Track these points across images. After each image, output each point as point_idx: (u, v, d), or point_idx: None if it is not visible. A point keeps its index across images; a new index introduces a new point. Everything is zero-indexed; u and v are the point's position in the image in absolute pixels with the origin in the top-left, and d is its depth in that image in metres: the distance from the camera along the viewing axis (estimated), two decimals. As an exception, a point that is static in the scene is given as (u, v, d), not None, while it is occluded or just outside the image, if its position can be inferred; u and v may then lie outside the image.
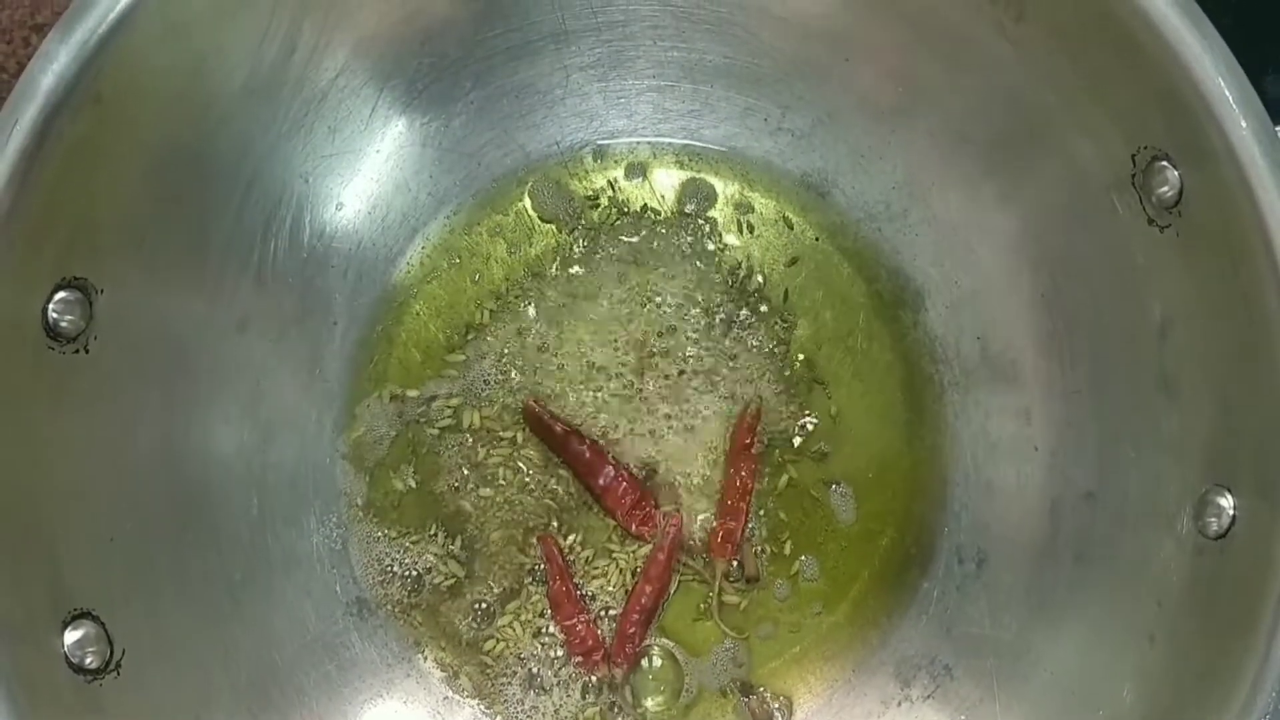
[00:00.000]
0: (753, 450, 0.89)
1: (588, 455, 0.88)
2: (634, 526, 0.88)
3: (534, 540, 0.88)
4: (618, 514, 0.88)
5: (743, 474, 0.89)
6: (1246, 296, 0.65)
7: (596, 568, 0.88)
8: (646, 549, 0.88)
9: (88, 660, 0.66)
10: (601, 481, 0.88)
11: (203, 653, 0.77)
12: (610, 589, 0.88)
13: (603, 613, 0.88)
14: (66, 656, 0.65)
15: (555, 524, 0.89)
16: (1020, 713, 0.80)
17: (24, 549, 0.65)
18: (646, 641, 0.88)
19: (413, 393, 0.90)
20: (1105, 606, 0.77)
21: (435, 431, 0.89)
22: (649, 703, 0.87)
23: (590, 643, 0.87)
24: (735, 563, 0.88)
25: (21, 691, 0.62)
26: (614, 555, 0.88)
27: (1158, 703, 0.70)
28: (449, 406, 0.89)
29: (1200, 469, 0.70)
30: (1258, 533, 0.65)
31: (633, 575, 0.88)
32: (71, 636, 0.66)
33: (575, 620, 0.87)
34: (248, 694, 0.79)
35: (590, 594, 0.88)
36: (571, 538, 0.89)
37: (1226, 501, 0.67)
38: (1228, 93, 0.63)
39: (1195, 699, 0.66)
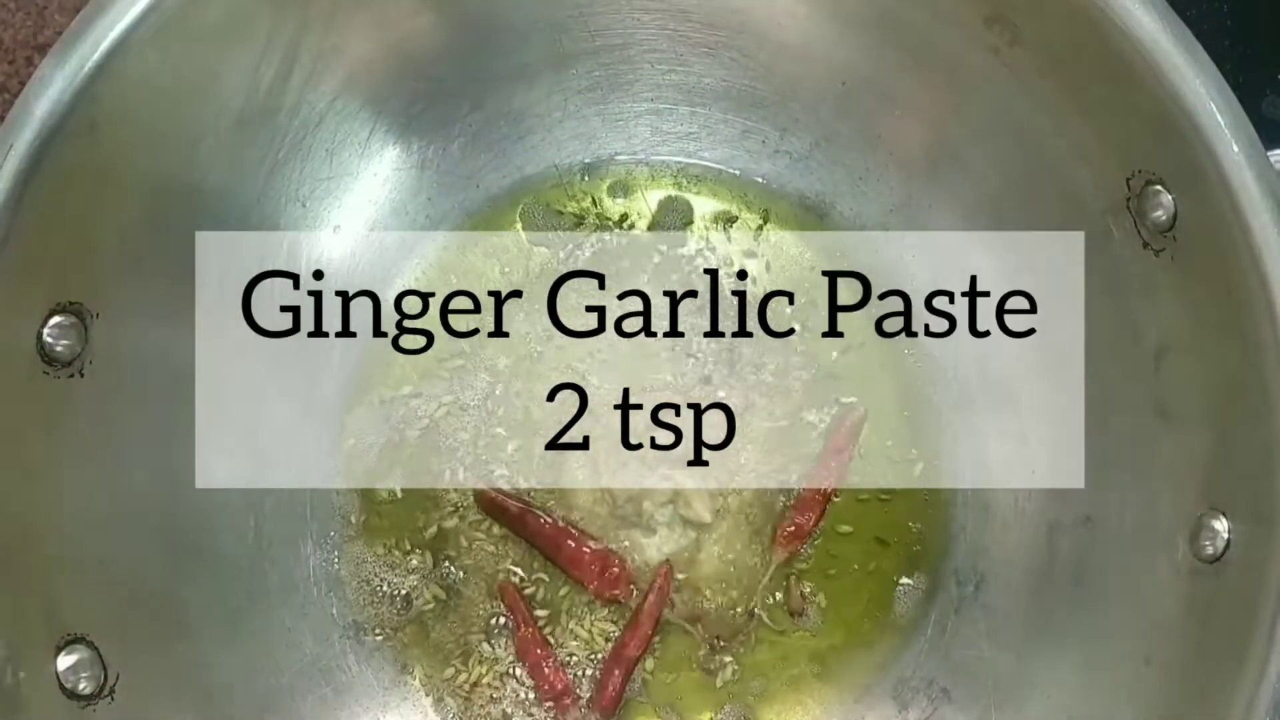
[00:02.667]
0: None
1: (547, 530, 0.88)
2: (607, 593, 0.87)
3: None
4: (589, 586, 0.87)
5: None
6: (1240, 320, 0.65)
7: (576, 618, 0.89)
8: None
9: (81, 685, 0.66)
10: (565, 554, 0.87)
11: (199, 677, 0.77)
12: (591, 638, 0.88)
13: (589, 659, 0.88)
14: (60, 681, 0.65)
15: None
16: (1019, 735, 0.81)
17: (17, 572, 0.65)
18: (626, 694, 0.87)
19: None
20: (1103, 629, 0.77)
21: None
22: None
23: (560, 687, 0.86)
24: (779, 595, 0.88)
25: (13, 716, 0.62)
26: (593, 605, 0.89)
27: (1156, 729, 0.70)
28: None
29: (1196, 493, 0.70)
30: (1253, 556, 0.65)
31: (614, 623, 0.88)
32: (65, 661, 0.66)
33: (543, 664, 0.86)
34: (245, 718, 0.79)
35: (572, 637, 0.88)
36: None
37: (1222, 525, 0.67)
38: (1219, 117, 0.63)
39: (1191, 725, 0.67)
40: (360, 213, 0.89)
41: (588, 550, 0.87)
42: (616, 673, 0.86)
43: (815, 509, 0.88)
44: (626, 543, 0.88)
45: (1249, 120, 0.63)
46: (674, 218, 0.93)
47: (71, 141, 0.65)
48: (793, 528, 0.88)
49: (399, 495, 0.89)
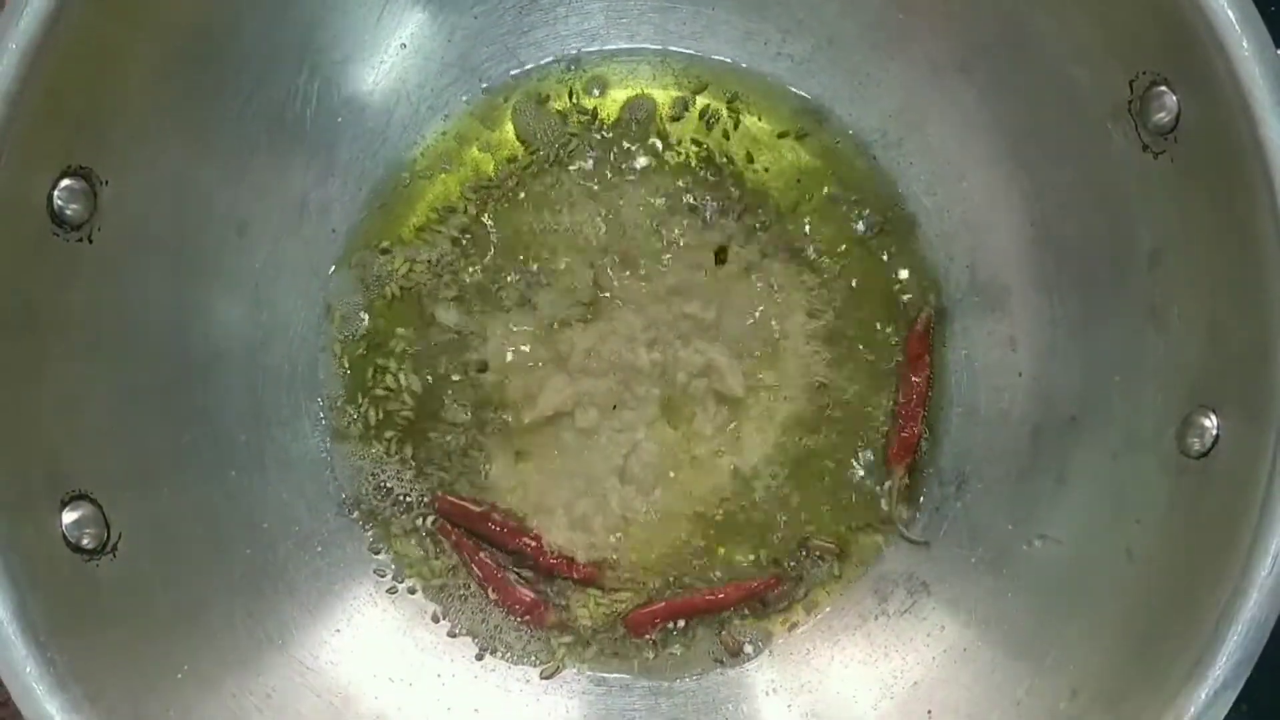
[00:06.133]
0: (926, 359, 0.90)
1: (503, 534, 0.89)
2: (577, 576, 0.89)
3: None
4: (557, 572, 0.89)
5: (916, 382, 0.89)
6: (1240, 221, 0.65)
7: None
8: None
9: (85, 541, 0.67)
10: (526, 557, 0.89)
11: (198, 544, 0.78)
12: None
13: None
14: (64, 535, 0.66)
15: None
16: (996, 627, 0.82)
17: (23, 429, 0.66)
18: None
19: (384, 244, 0.91)
20: (1084, 525, 0.79)
21: (396, 289, 0.91)
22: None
23: (528, 599, 0.87)
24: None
25: (20, 566, 0.62)
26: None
27: (1135, 619, 0.71)
28: (412, 263, 0.91)
29: (1185, 392, 0.71)
30: (1241, 451, 0.65)
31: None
32: (69, 516, 0.67)
33: (505, 582, 0.88)
34: (242, 586, 0.81)
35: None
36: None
37: (1210, 421, 0.68)
38: (1230, 13, 0.62)
39: (1173, 615, 0.67)
40: (365, 98, 0.89)
41: (544, 558, 0.88)
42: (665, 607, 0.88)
43: (916, 420, 0.89)
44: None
45: (1260, 16, 0.63)
46: (694, 124, 0.93)
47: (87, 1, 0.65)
48: (898, 444, 0.89)
49: (364, 352, 0.90)
